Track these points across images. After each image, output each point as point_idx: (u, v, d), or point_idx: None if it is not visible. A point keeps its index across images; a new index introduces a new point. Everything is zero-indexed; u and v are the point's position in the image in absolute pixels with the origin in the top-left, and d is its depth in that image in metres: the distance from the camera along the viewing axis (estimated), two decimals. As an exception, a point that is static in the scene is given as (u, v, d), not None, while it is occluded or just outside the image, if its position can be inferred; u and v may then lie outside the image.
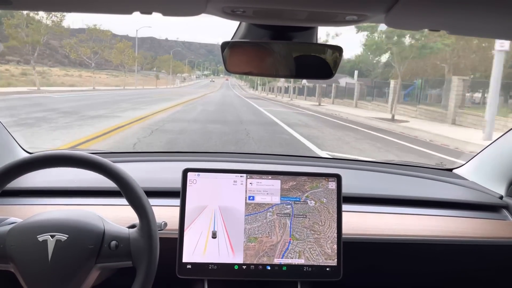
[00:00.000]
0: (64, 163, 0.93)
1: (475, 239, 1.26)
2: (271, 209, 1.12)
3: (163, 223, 1.01)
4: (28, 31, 21.94)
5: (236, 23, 0.94)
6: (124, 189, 0.93)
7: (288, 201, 1.13)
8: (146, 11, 0.73)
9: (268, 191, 1.13)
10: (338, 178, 1.15)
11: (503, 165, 1.46)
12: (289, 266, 1.10)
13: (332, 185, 1.15)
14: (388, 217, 1.30)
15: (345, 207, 1.17)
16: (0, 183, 0.91)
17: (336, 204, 1.14)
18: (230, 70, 0.95)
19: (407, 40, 14.63)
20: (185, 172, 1.12)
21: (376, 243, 1.22)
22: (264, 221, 1.11)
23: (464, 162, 1.68)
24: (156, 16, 0.75)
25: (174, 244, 1.08)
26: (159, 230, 0.96)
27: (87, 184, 1.28)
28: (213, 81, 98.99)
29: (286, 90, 36.13)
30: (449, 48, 15.85)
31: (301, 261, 1.10)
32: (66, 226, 0.91)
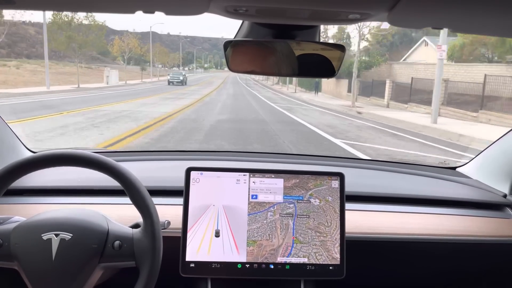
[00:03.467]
0: (68, 163, 0.93)
1: (479, 238, 1.26)
2: (272, 208, 1.11)
3: (166, 222, 1.01)
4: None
5: (239, 21, 0.94)
6: (127, 188, 0.93)
7: (291, 200, 1.12)
8: (149, 10, 0.73)
9: (271, 189, 1.13)
10: (341, 176, 1.15)
11: (507, 164, 1.45)
12: (292, 264, 1.10)
13: (335, 183, 1.14)
14: (392, 215, 1.30)
15: (348, 205, 1.17)
16: (4, 182, 0.91)
17: (339, 202, 1.13)
18: (233, 69, 0.95)
19: None
20: (188, 171, 1.12)
21: (379, 241, 1.22)
22: (264, 222, 1.11)
23: (467, 161, 1.67)
24: (159, 15, 0.75)
25: (178, 243, 1.08)
26: (162, 229, 0.96)
27: (91, 183, 1.28)
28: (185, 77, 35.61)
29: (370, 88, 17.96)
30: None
31: (304, 260, 1.10)
32: (71, 225, 0.91)
